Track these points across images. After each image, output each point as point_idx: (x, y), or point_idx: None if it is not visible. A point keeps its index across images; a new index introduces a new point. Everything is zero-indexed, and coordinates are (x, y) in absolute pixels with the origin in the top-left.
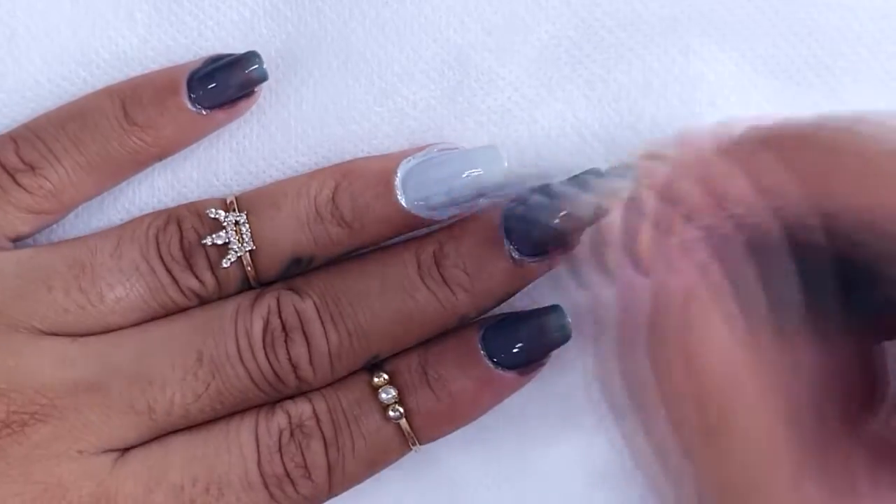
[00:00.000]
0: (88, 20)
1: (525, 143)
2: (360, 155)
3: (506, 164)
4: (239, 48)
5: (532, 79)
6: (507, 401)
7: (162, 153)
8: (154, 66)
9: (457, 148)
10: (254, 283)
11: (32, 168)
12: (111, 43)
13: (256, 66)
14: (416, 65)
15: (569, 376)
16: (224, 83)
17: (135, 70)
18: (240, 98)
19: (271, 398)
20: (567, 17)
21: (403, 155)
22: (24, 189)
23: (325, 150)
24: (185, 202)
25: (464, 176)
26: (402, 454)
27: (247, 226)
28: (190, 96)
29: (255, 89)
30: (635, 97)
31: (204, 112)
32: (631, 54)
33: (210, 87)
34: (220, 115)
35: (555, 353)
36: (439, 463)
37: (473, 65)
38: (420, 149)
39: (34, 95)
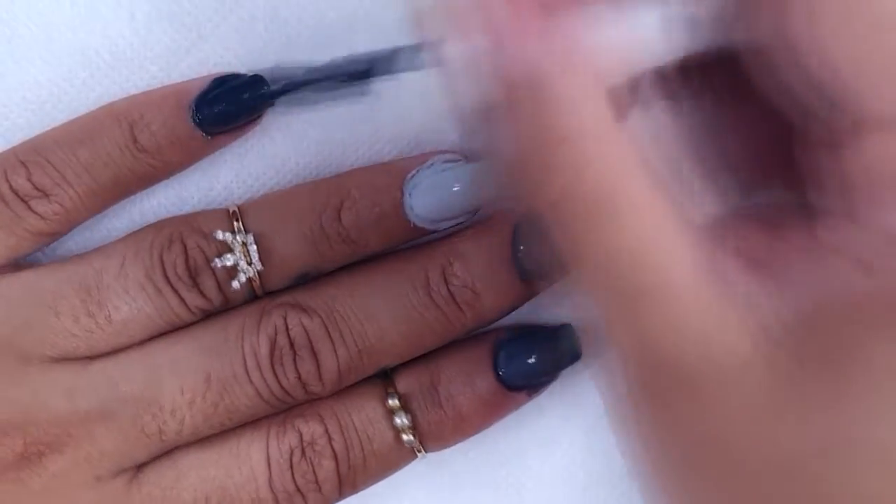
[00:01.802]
0: (88, 20)
1: None
2: (362, 158)
3: None
4: (238, 49)
5: None
6: None
7: (169, 174)
8: (154, 67)
9: (459, 159)
10: (260, 293)
11: (46, 195)
12: (111, 43)
13: (265, 89)
14: None
15: (571, 377)
16: (230, 107)
17: (134, 71)
18: (246, 121)
19: (281, 409)
20: None
21: (407, 168)
22: (39, 216)
23: (327, 152)
24: (186, 208)
25: (469, 191)
26: (409, 462)
27: (254, 247)
28: (196, 118)
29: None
30: None
31: (210, 137)
32: None
33: (216, 110)
34: (225, 137)
35: None
36: (440, 463)
37: None
38: (423, 158)
39: (34, 96)
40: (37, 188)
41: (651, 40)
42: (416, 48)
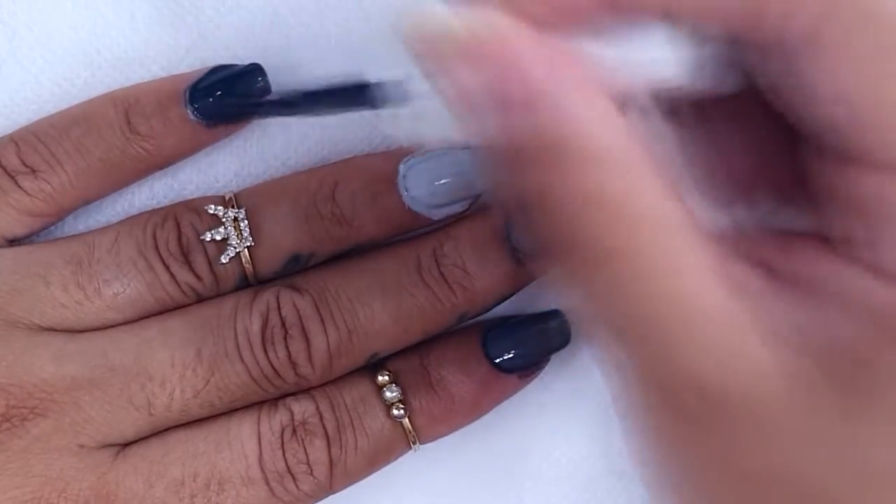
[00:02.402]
0: (89, 20)
1: None
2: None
3: None
4: (238, 49)
5: None
6: (508, 400)
7: (163, 162)
8: (154, 67)
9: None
10: (252, 280)
11: (34, 171)
12: (112, 43)
13: (260, 79)
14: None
15: (570, 375)
16: (226, 96)
17: (135, 70)
18: (242, 111)
19: (270, 395)
20: None
21: (403, 153)
22: (25, 191)
23: (326, 151)
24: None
25: (465, 174)
26: (402, 453)
27: (245, 222)
28: (192, 107)
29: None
30: None
31: (205, 124)
32: None
33: (212, 99)
34: (220, 127)
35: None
36: (439, 462)
37: None
38: (419, 147)
39: (35, 96)
40: (25, 164)
41: (657, 63)
42: (416, 76)
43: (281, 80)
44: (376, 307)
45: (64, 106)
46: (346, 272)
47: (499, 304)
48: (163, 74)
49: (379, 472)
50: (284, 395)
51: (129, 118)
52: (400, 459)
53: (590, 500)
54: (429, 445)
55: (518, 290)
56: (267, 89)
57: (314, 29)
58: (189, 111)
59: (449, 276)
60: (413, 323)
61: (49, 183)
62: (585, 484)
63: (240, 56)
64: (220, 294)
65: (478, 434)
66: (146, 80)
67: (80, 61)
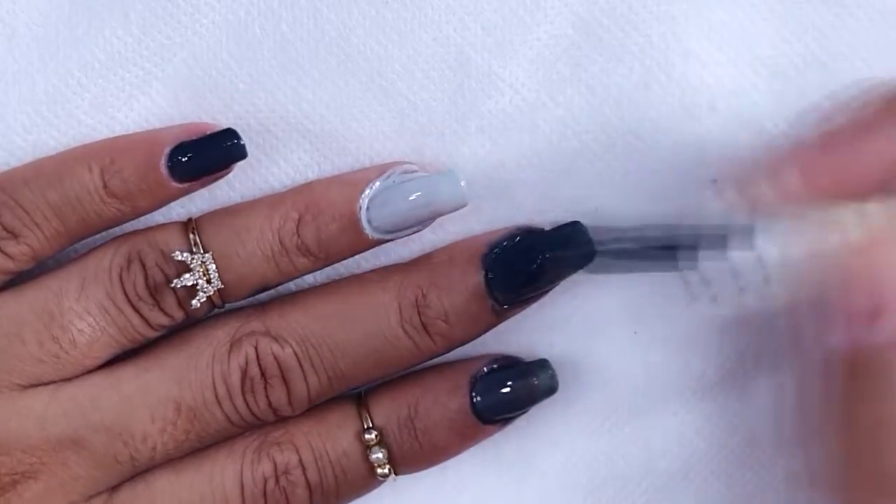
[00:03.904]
0: (85, 20)
1: (526, 149)
2: (362, 154)
3: (464, 185)
4: (233, 49)
5: (532, 80)
6: None
7: (134, 217)
8: (148, 65)
9: (416, 171)
10: (219, 306)
11: (15, 236)
12: (106, 43)
13: (236, 144)
14: (416, 64)
15: (570, 377)
16: (202, 159)
17: (130, 70)
18: (217, 171)
19: (252, 430)
20: (566, 16)
21: (364, 181)
22: (9, 256)
23: (327, 147)
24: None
25: (427, 206)
26: (379, 486)
27: (213, 265)
28: (168, 166)
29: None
30: (637, 102)
31: (180, 186)
32: (630, 56)
33: (187, 161)
34: (195, 185)
35: (555, 354)
36: (442, 467)
37: (474, 66)
38: (382, 169)
39: (31, 96)
40: (6, 230)
41: None
42: (748, 228)
43: (276, 79)
44: (357, 355)
45: (58, 107)
46: (325, 321)
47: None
48: (156, 72)
49: None
50: (269, 436)
51: (105, 181)
52: None
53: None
54: None
55: (495, 326)
56: (243, 154)
57: (310, 28)
58: (165, 173)
59: (430, 328)
60: (392, 367)
61: (30, 246)
62: (588, 489)
63: (233, 54)
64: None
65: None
66: (120, 135)
67: (75, 61)
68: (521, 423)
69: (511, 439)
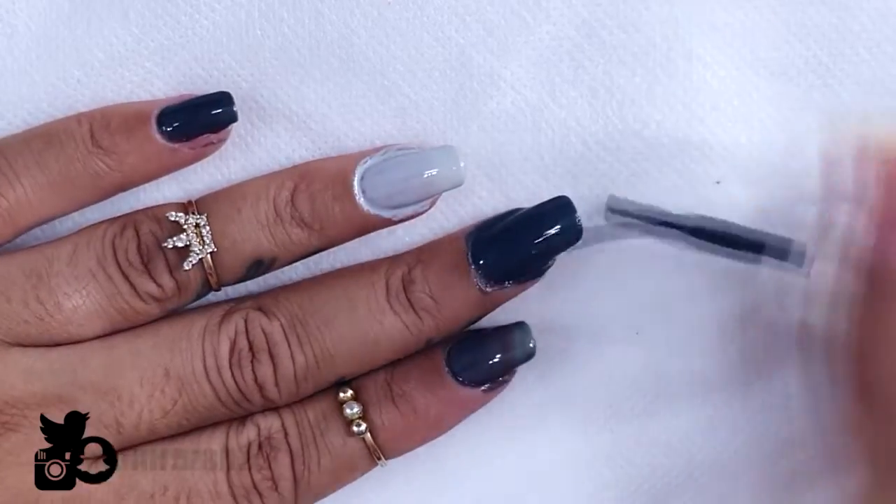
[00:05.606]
0: (84, 19)
1: (528, 150)
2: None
3: (462, 164)
4: (234, 49)
5: (534, 81)
6: (508, 402)
7: (124, 181)
8: (148, 65)
9: (414, 148)
10: (215, 286)
11: None
12: (105, 42)
13: (227, 107)
14: (418, 64)
15: (571, 377)
16: (192, 119)
17: (129, 69)
18: (207, 135)
19: (237, 415)
20: (568, 16)
21: (361, 156)
22: None
23: (329, 146)
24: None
25: (421, 176)
26: (369, 469)
27: (207, 228)
28: (158, 128)
29: (224, 131)
30: (640, 104)
31: (169, 144)
32: (633, 59)
33: (178, 121)
34: (184, 150)
35: (556, 354)
36: (440, 469)
37: (476, 65)
38: (378, 149)
39: (30, 95)
40: None
41: None
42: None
43: (275, 79)
44: (344, 333)
45: (58, 104)
46: (315, 296)
47: (465, 328)
48: (157, 71)
49: (381, 470)
50: (252, 414)
51: (92, 132)
52: (400, 459)
53: (591, 501)
54: (428, 445)
55: (484, 315)
56: (233, 118)
57: (311, 29)
58: (156, 131)
59: (416, 303)
60: (380, 349)
61: (5, 198)
62: (591, 492)
63: (234, 53)
64: (182, 303)
65: (480, 442)
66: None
67: (73, 60)
68: (521, 422)
69: (511, 439)
